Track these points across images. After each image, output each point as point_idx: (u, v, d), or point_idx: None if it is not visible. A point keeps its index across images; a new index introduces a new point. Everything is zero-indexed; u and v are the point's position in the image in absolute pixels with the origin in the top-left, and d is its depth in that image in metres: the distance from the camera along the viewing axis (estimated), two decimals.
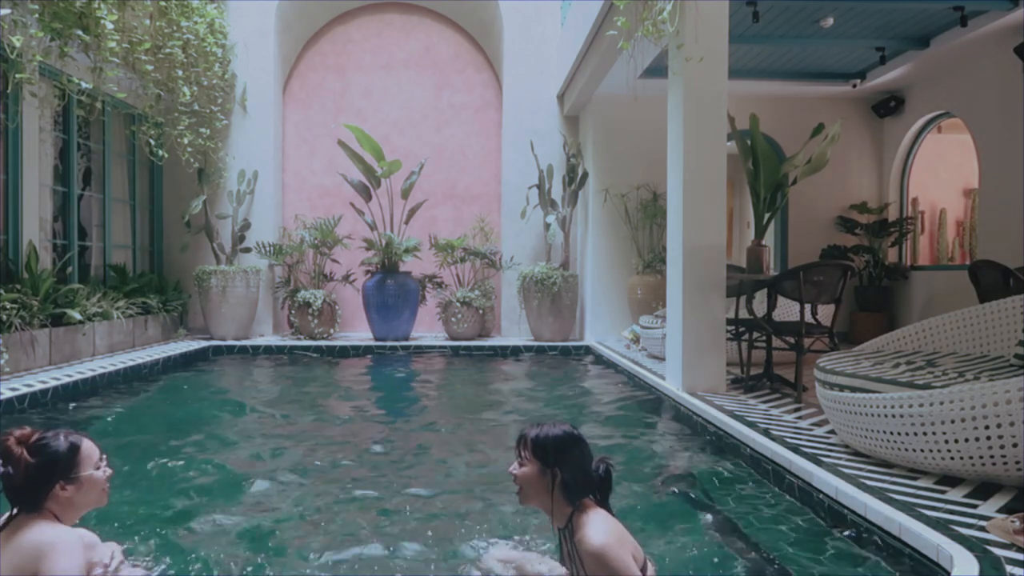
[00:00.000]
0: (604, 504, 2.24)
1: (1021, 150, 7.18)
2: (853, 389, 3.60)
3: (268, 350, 8.74)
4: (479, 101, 10.65)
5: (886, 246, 9.59)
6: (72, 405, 5.58)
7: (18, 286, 6.37)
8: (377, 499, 3.52)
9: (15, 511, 2.05)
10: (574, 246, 9.92)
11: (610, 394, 6.48)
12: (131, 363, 6.98)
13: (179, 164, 9.21)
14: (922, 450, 3.14)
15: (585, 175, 9.44)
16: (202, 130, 9.06)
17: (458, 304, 9.29)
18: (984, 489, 3.01)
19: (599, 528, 2.07)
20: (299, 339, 9.24)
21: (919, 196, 10.13)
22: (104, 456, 2.21)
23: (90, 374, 6.25)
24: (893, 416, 3.20)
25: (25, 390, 5.34)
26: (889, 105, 9.34)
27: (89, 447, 2.16)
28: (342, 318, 9.82)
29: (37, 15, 5.66)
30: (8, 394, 5.15)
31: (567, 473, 2.16)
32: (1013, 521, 2.56)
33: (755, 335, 5.75)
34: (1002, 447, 2.91)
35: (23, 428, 2.09)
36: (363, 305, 9.38)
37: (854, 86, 8.92)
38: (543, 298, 9.13)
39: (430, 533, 3.04)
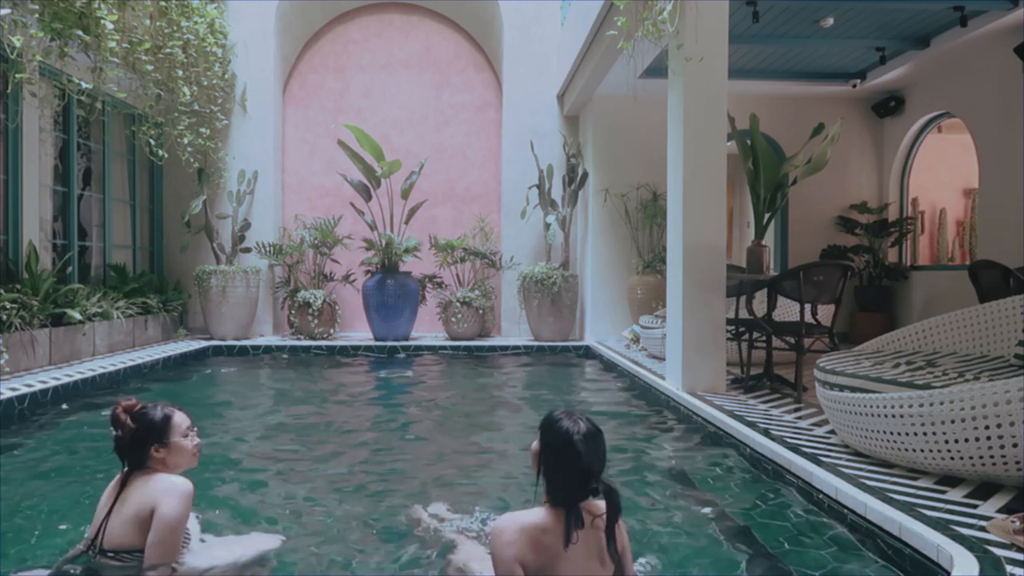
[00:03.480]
0: (610, 521, 2.06)
1: (1021, 150, 7.18)
2: (853, 389, 3.60)
3: (268, 350, 8.74)
4: (479, 101, 10.65)
5: (886, 246, 9.59)
6: (64, 406, 5.56)
7: (18, 286, 6.37)
8: (374, 501, 3.52)
9: (126, 468, 2.45)
10: (574, 246, 9.92)
11: (610, 394, 6.48)
12: (131, 363, 6.98)
13: (179, 164, 9.21)
14: (922, 450, 3.14)
15: (585, 175, 9.45)
16: (202, 130, 9.06)
17: (458, 304, 9.29)
18: (984, 489, 3.01)
19: (502, 517, 2.10)
20: (299, 339, 9.24)
21: (919, 196, 10.13)
22: (195, 427, 2.57)
23: (90, 374, 6.25)
24: (893, 416, 3.20)
25: (25, 390, 5.34)
26: (889, 105, 9.34)
27: (181, 418, 2.52)
28: (342, 318, 9.82)
29: (37, 15, 5.66)
30: (8, 394, 5.15)
31: (549, 466, 2.11)
32: (1013, 521, 2.56)
33: (755, 335, 5.75)
34: (1002, 447, 2.92)
35: (129, 399, 2.50)
36: (363, 305, 9.38)
37: (854, 86, 8.92)
38: (543, 298, 9.13)
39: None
